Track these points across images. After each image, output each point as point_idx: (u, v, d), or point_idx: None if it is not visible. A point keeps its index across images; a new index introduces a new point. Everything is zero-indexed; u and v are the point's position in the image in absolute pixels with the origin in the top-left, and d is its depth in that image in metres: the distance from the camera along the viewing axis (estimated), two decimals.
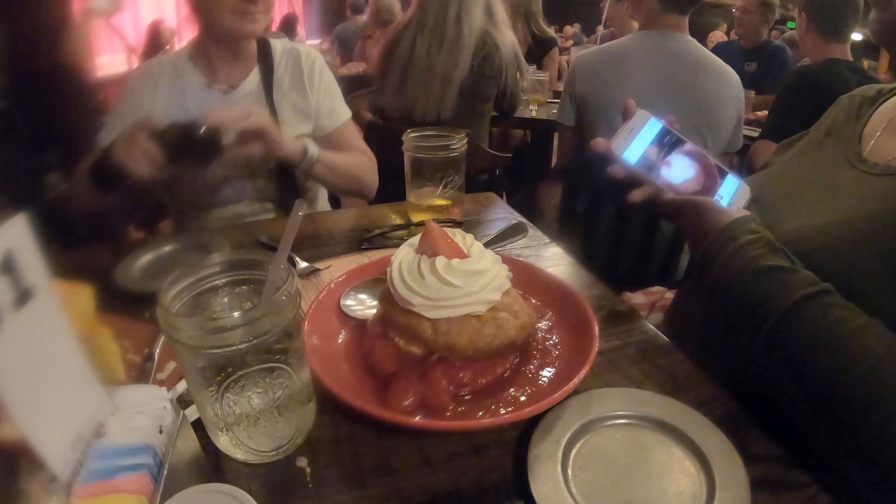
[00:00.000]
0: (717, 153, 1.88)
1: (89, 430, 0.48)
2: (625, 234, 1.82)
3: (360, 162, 1.51)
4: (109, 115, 1.44)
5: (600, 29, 4.41)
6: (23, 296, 0.41)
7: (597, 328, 0.69)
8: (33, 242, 0.42)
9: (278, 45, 1.45)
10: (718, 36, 6.45)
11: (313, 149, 1.30)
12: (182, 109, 1.39)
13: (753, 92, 2.98)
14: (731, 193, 0.83)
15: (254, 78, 1.41)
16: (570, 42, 6.48)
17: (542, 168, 3.22)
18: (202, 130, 1.07)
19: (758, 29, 3.49)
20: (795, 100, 2.16)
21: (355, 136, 1.56)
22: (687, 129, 1.75)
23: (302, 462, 0.60)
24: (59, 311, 0.45)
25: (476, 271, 0.63)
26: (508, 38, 2.19)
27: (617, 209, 1.83)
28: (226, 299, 0.57)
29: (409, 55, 2.16)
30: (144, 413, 0.50)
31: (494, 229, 1.09)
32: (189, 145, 1.07)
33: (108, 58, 5.59)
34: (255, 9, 1.24)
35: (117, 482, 0.45)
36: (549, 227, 2.27)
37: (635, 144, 0.80)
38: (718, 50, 3.83)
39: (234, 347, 0.50)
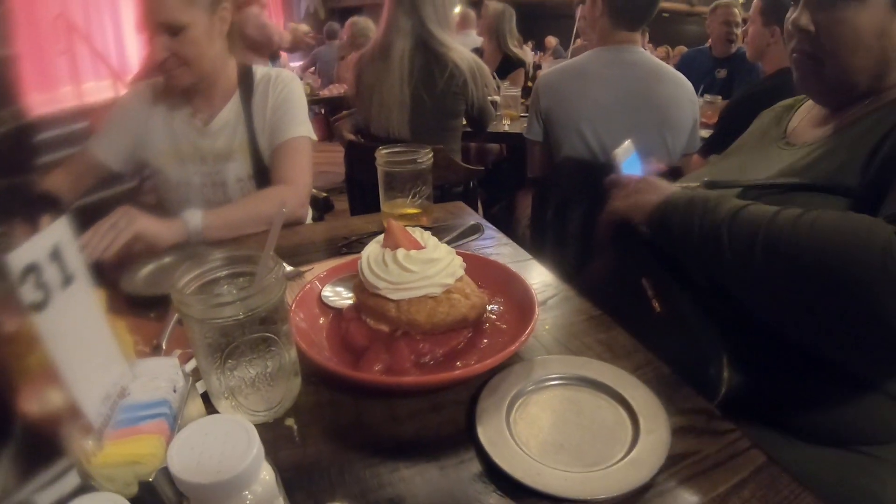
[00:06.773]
0: (679, 154, 2.00)
1: (115, 392, 0.59)
2: (591, 238, 1.92)
3: (271, 196, 1.39)
4: (102, 126, 1.50)
5: (577, 42, 4.53)
6: (67, 279, 0.53)
7: (536, 299, 0.80)
8: (73, 237, 0.54)
9: (259, 71, 1.52)
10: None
11: (194, 222, 1.23)
12: (172, 138, 1.46)
13: (720, 98, 3.05)
14: None
15: (232, 107, 1.47)
16: (549, 56, 6.68)
17: (518, 180, 3.32)
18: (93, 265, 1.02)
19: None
20: (738, 120, 2.27)
21: (291, 158, 1.46)
22: (648, 131, 1.88)
23: (290, 422, 0.71)
24: (93, 293, 0.57)
25: (431, 259, 0.76)
26: (465, 55, 2.30)
27: (583, 216, 1.95)
28: (225, 287, 0.69)
29: (373, 81, 2.30)
30: (160, 378, 0.61)
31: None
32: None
33: (94, 84, 5.68)
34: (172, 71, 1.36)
35: (140, 427, 0.56)
36: (524, 235, 2.39)
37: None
38: (690, 56, 3.92)
39: (233, 319, 0.62)
